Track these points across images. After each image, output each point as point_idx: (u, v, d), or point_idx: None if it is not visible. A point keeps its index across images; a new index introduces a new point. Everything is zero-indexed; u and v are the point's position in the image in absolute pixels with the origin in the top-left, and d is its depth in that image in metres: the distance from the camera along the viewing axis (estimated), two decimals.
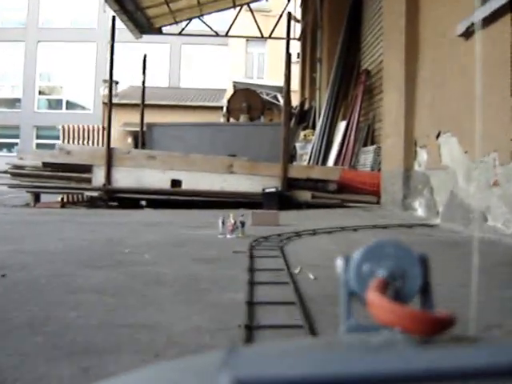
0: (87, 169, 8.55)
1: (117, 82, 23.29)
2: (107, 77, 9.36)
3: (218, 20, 18.93)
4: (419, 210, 6.35)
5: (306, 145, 12.82)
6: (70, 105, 31.81)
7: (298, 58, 18.84)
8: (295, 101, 17.36)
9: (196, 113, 22.62)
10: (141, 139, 12.17)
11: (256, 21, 15.54)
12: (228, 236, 4.10)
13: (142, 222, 5.57)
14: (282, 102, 14.61)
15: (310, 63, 16.20)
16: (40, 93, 32.10)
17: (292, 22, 11.40)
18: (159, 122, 12.63)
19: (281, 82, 13.79)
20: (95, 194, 8.54)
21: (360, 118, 10.32)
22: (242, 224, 4.17)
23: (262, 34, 16.16)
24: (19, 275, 2.53)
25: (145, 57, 12.27)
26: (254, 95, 16.63)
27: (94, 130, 11.49)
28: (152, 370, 0.34)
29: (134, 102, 17.94)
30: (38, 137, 30.97)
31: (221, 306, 2.00)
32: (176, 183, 8.40)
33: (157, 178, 8.40)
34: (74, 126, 11.46)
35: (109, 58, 8.95)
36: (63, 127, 11.42)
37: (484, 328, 1.64)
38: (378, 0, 9.64)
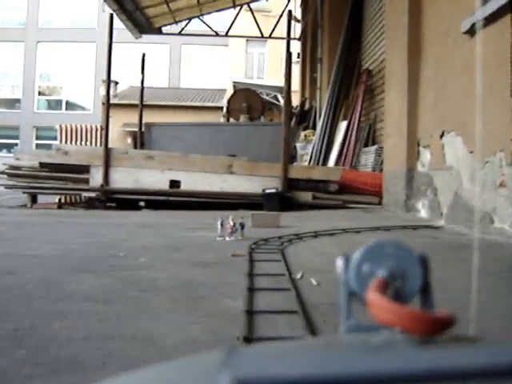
0: (85, 169, 8.44)
1: (116, 83, 23.20)
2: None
3: (218, 20, 18.82)
4: (422, 211, 6.23)
5: (306, 145, 12.70)
6: (70, 105, 31.70)
7: (299, 57, 18.73)
8: (295, 101, 17.24)
9: (196, 113, 22.50)
10: (139, 139, 12.06)
11: (256, 21, 15.43)
12: (227, 238, 3.99)
13: (139, 223, 5.45)
14: (282, 102, 14.51)
15: (311, 63, 16.09)
16: (40, 93, 31.99)
17: (292, 22, 11.29)
18: (158, 121, 12.51)
19: (281, 82, 13.69)
20: (93, 194, 8.42)
21: (361, 117, 10.22)
22: (242, 226, 4.05)
23: (262, 33, 16.04)
24: (6, 280, 2.41)
25: (143, 56, 12.15)
26: (254, 95, 16.51)
27: (91, 130, 11.37)
28: (152, 370, 0.33)
29: (133, 102, 17.82)
30: (37, 137, 30.86)
31: (218, 315, 1.88)
32: (175, 184, 8.29)
33: (155, 179, 8.28)
34: (71, 126, 11.33)
35: (106, 57, 8.83)
36: (60, 127, 11.29)
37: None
38: None
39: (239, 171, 8.25)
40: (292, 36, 10.22)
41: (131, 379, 0.33)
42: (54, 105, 32.21)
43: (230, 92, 20.00)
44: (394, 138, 7.22)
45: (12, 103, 31.91)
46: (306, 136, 13.24)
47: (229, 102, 16.56)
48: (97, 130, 11.42)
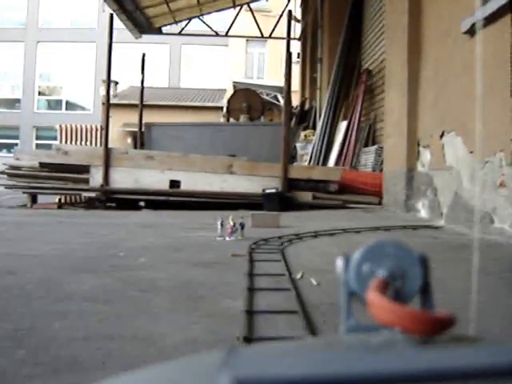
0: (85, 169, 8.43)
1: (116, 83, 23.19)
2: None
3: (218, 20, 18.81)
4: (422, 211, 6.23)
5: (306, 145, 12.70)
6: (70, 105, 31.68)
7: (298, 58, 18.72)
8: (295, 101, 17.23)
9: (196, 113, 22.48)
10: (139, 139, 12.05)
11: (256, 21, 15.42)
12: (227, 238, 3.98)
13: (139, 223, 5.45)
14: (282, 102, 14.50)
15: (311, 63, 16.08)
16: (40, 93, 31.98)
17: (292, 22, 11.28)
18: (158, 121, 12.51)
19: (281, 82, 13.68)
20: (93, 194, 8.42)
21: (361, 117, 10.21)
22: (242, 226, 4.05)
23: (262, 33, 16.04)
24: (6, 280, 2.41)
25: (143, 56, 12.15)
26: (254, 95, 16.50)
27: (91, 130, 11.35)
28: (152, 370, 0.33)
29: (133, 102, 17.81)
30: (37, 137, 30.85)
31: (218, 315, 1.88)
32: (175, 184, 8.28)
33: (155, 179, 8.28)
34: (71, 126, 11.32)
35: (106, 57, 8.83)
36: (60, 127, 11.28)
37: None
38: None
39: (239, 171, 8.24)
40: (292, 36, 10.21)
41: (131, 379, 0.33)
42: (54, 105, 32.20)
43: (229, 92, 19.99)
44: (394, 138, 7.22)
45: (12, 103, 31.90)
46: (305, 136, 13.24)
47: (229, 102, 16.55)
48: (97, 130, 11.41)
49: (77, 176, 8.45)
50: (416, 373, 0.29)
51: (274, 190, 7.83)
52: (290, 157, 10.68)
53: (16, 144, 29.69)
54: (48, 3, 31.58)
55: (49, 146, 13.20)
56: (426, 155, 6.24)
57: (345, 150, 10.27)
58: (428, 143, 6.16)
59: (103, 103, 9.95)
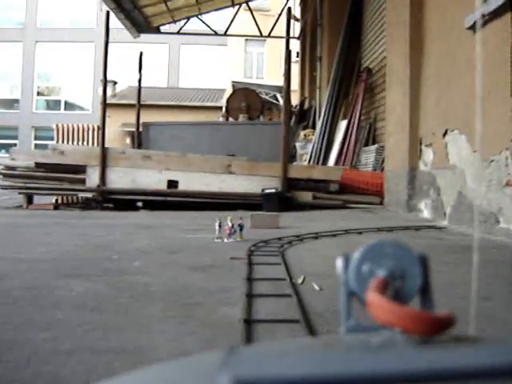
0: (81, 169, 8.30)
1: (115, 82, 23.09)
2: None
3: (217, 19, 18.72)
4: (425, 211, 6.11)
5: (306, 144, 12.58)
6: (69, 105, 31.57)
7: (298, 57, 18.60)
8: (295, 101, 17.12)
9: (195, 113, 22.36)
10: (137, 139, 11.93)
11: (255, 20, 15.31)
12: (225, 240, 3.86)
13: (135, 224, 5.33)
14: (281, 101, 14.38)
15: (310, 62, 15.96)
16: (38, 93, 31.86)
17: (291, 21, 11.17)
18: (156, 121, 12.38)
19: (280, 82, 13.56)
20: (89, 195, 8.29)
21: (361, 116, 10.11)
22: (241, 227, 3.93)
23: (261, 32, 15.92)
24: None
25: (141, 54, 12.03)
26: (253, 95, 16.38)
27: (89, 130, 11.22)
28: (152, 370, 0.33)
29: (132, 102, 17.68)
30: (36, 138, 30.73)
31: (215, 325, 1.76)
32: (173, 184, 8.16)
33: (153, 179, 8.15)
34: (68, 126, 11.19)
35: (103, 55, 8.71)
36: (57, 126, 11.14)
37: None
38: None
39: (238, 171, 8.12)
40: (291, 35, 10.11)
41: (131, 379, 0.32)
42: (53, 105, 32.09)
43: (229, 92, 19.87)
44: (395, 137, 7.10)
45: (10, 103, 31.78)
46: (305, 135, 13.12)
47: (228, 101, 16.43)
48: (94, 129, 11.28)
49: (73, 176, 8.32)
50: (416, 373, 0.29)
51: (273, 190, 7.71)
52: (290, 156, 10.56)
53: (15, 144, 29.56)
54: (47, 3, 31.47)
55: (47, 147, 13.08)
56: (428, 154, 6.12)
57: (345, 150, 10.16)
58: (430, 142, 6.03)
59: (101, 103, 9.82)
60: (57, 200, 9.20)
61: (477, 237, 0.57)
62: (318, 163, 10.80)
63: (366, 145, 9.75)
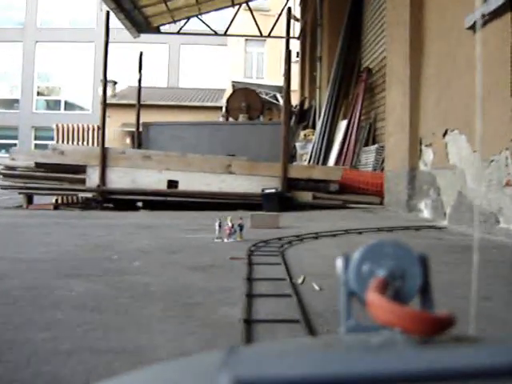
0: (81, 169, 8.30)
1: (115, 83, 23.08)
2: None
3: (217, 19, 18.71)
4: (425, 211, 6.11)
5: (306, 144, 12.58)
6: (69, 105, 31.56)
7: (298, 57, 18.59)
8: (295, 101, 17.11)
9: (195, 113, 22.35)
10: (137, 139, 11.93)
11: (255, 20, 15.31)
12: (225, 240, 3.86)
13: (135, 224, 5.33)
14: (281, 101, 14.38)
15: (310, 62, 15.96)
16: (38, 93, 31.85)
17: (291, 21, 11.17)
18: (156, 121, 12.38)
19: (280, 82, 13.55)
20: (89, 195, 8.29)
21: (361, 116, 10.10)
22: (241, 227, 3.93)
23: (261, 32, 15.92)
24: None
25: (141, 54, 12.03)
26: (253, 95, 16.37)
27: (89, 130, 11.22)
28: (152, 370, 0.33)
29: (132, 102, 17.68)
30: (36, 138, 30.73)
31: (215, 325, 1.76)
32: (173, 184, 8.16)
33: (153, 179, 8.15)
34: (68, 126, 11.19)
35: (103, 55, 8.72)
36: (57, 126, 11.14)
37: None
38: None
39: (238, 171, 8.12)
40: (291, 35, 10.11)
41: (131, 379, 0.32)
42: (53, 105, 32.08)
43: (229, 92, 19.87)
44: (395, 137, 7.10)
45: (10, 103, 31.78)
46: (305, 135, 13.12)
47: (228, 101, 16.43)
48: (94, 129, 11.28)
49: (73, 176, 8.32)
50: (416, 373, 0.29)
51: (273, 190, 7.71)
52: (290, 156, 10.56)
53: (15, 144, 29.56)
54: (47, 3, 31.47)
55: (47, 147, 13.08)
56: (428, 154, 6.12)
57: (345, 150, 10.16)
58: (430, 142, 6.03)
59: (101, 103, 9.82)
60: (57, 200, 9.20)
61: (477, 237, 0.57)
62: (317, 163, 10.79)
63: (366, 145, 9.75)
